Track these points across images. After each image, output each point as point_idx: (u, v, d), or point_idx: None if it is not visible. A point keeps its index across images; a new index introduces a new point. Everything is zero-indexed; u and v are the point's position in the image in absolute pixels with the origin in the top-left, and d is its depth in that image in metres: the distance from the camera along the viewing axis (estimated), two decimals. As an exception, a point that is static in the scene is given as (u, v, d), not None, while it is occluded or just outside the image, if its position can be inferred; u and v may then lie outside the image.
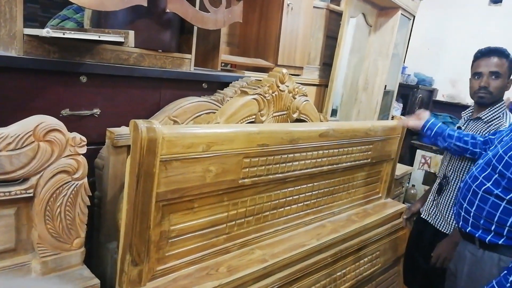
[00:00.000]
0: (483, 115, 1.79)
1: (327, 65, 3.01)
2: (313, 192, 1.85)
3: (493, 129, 1.74)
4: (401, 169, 3.30)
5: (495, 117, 1.77)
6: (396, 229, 2.30)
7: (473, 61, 1.82)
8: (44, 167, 1.09)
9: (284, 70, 1.80)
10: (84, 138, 1.16)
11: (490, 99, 1.75)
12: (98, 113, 1.53)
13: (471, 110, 1.91)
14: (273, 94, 1.78)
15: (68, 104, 1.45)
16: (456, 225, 1.62)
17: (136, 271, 1.17)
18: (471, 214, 1.50)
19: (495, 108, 1.77)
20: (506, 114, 1.77)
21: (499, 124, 1.74)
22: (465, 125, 1.90)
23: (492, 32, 4.35)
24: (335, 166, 1.89)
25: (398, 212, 2.34)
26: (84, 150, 1.16)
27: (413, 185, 4.41)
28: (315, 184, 1.83)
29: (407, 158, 4.32)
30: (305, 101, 1.96)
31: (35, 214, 1.11)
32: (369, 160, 2.13)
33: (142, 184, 1.13)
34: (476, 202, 1.48)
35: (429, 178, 4.28)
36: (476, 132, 1.80)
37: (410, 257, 2.17)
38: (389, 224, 2.24)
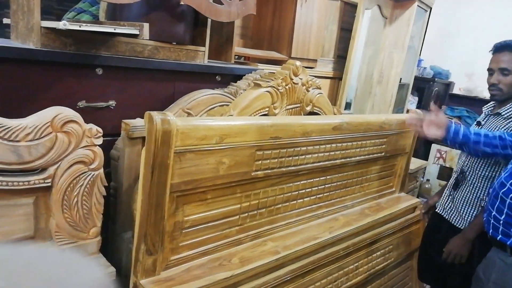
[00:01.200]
0: (503, 111, 1.76)
1: (341, 58, 2.98)
2: (326, 185, 1.84)
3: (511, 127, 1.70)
4: (415, 163, 3.26)
5: None
6: (410, 223, 2.28)
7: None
8: (61, 157, 1.11)
9: (298, 63, 1.79)
10: (100, 129, 1.18)
11: (502, 96, 1.72)
12: (114, 105, 1.56)
13: (492, 105, 1.87)
14: (287, 87, 1.77)
15: (84, 96, 1.48)
16: (487, 233, 1.59)
17: (150, 261, 1.19)
18: (501, 222, 1.48)
19: None
20: None
21: None
22: (485, 120, 1.87)
23: (509, 24, 4.24)
24: (348, 159, 1.88)
25: (412, 207, 2.32)
26: (100, 141, 1.18)
27: (428, 180, 4.36)
28: (328, 177, 1.83)
29: (422, 152, 4.27)
30: (318, 94, 1.95)
31: (53, 203, 1.13)
32: (383, 153, 2.11)
33: (156, 175, 1.15)
34: (505, 210, 1.45)
35: (444, 173, 4.22)
36: (495, 128, 1.77)
37: (424, 252, 2.15)
38: (403, 218, 2.22)
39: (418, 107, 4.37)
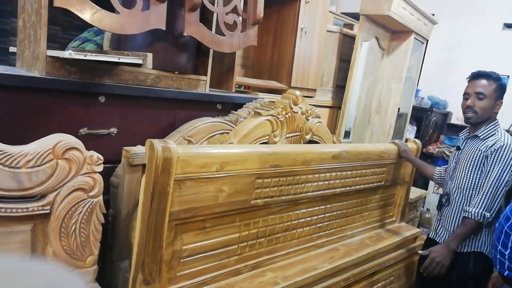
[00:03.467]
0: (480, 133, 1.86)
1: (340, 88, 3.02)
2: (326, 214, 1.83)
3: (489, 144, 1.80)
4: (415, 192, 3.25)
5: (490, 134, 1.83)
6: (411, 254, 2.25)
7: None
8: (61, 184, 1.11)
9: (298, 92, 1.82)
10: (101, 157, 1.18)
11: (476, 119, 1.84)
12: (115, 132, 1.57)
13: (467, 131, 1.99)
14: (287, 116, 1.79)
15: (87, 123, 1.49)
16: (495, 268, 1.58)
17: (147, 291, 1.17)
18: (506, 257, 1.46)
19: (490, 126, 1.85)
20: (500, 131, 1.84)
21: (495, 139, 1.80)
22: (463, 144, 1.96)
23: (505, 57, 4.34)
24: (348, 188, 1.88)
25: (413, 237, 2.29)
26: (100, 168, 1.19)
27: (428, 209, 4.32)
28: (327, 206, 1.82)
29: (421, 181, 4.25)
30: (318, 122, 1.97)
31: (50, 230, 1.12)
32: (382, 183, 2.11)
33: (156, 202, 1.14)
34: (510, 244, 1.44)
35: (444, 203, 4.19)
36: (474, 149, 1.85)
37: (421, 283, 2.10)
38: (404, 248, 2.20)
39: (416, 136, 4.39)
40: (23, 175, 1.04)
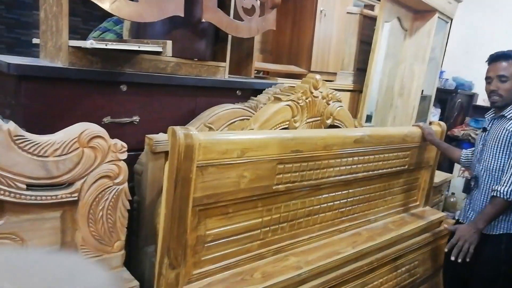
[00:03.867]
0: (506, 113, 1.81)
1: (361, 71, 2.96)
2: (348, 199, 1.82)
3: None
4: (440, 176, 3.18)
5: None
6: (436, 238, 2.21)
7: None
8: (87, 172, 1.14)
9: (318, 76, 1.80)
10: (124, 144, 1.21)
11: (502, 101, 1.80)
12: (137, 120, 1.59)
13: (493, 111, 1.94)
14: (307, 100, 1.77)
15: (109, 112, 1.52)
16: None
17: (173, 274, 1.19)
18: None
19: None
20: None
21: None
22: (489, 125, 1.91)
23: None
24: (371, 172, 1.85)
25: (437, 221, 2.25)
26: (125, 156, 1.21)
27: (453, 193, 4.24)
28: (350, 191, 1.81)
29: (446, 165, 4.16)
30: (339, 107, 1.95)
31: (79, 217, 1.16)
32: (406, 167, 2.07)
33: (179, 189, 1.16)
34: None
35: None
36: (502, 129, 1.80)
37: (450, 266, 2.07)
38: (428, 233, 2.16)
39: (440, 119, 4.28)
40: (51, 164, 1.07)
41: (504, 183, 1.72)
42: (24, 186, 1.04)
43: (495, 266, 1.79)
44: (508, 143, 1.77)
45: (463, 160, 2.08)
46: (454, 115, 4.53)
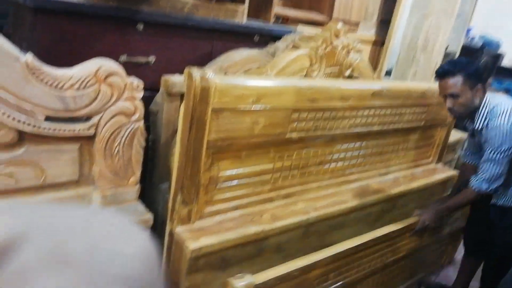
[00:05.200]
0: (477, 126, 1.71)
1: (385, 22, 2.84)
2: (361, 152, 1.82)
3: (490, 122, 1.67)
4: (455, 135, 3.13)
5: (485, 124, 1.68)
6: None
7: None
8: (104, 108, 1.16)
9: (339, 25, 1.73)
10: (141, 83, 1.21)
11: (463, 115, 1.73)
12: (153, 61, 1.58)
13: (466, 122, 1.83)
14: (326, 50, 1.73)
15: (126, 51, 1.51)
16: None
17: (186, 210, 1.24)
18: None
19: (481, 115, 1.69)
20: (494, 111, 1.65)
21: (490, 121, 1.66)
22: (475, 133, 1.80)
23: None
24: (386, 127, 1.84)
25: (448, 178, 2.26)
26: (141, 94, 1.21)
27: (467, 154, 4.19)
28: (363, 143, 1.81)
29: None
30: (359, 58, 1.89)
31: (96, 151, 1.19)
32: (422, 123, 2.05)
33: (194, 131, 1.17)
34: None
35: (485, 148, 4.03)
36: (483, 139, 1.71)
37: (472, 230, 2.09)
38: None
39: (463, 78, 4.14)
40: (69, 98, 1.08)
41: (476, 176, 1.71)
42: (43, 118, 1.06)
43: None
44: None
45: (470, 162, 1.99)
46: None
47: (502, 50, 4.54)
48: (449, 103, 1.68)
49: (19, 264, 0.20)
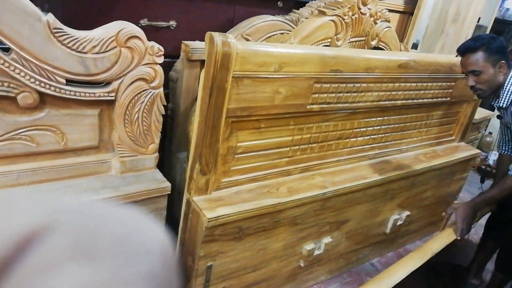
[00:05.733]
0: (502, 103, 1.62)
1: (415, -10, 2.69)
2: (383, 126, 1.77)
3: None
4: (480, 113, 3.03)
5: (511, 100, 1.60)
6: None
7: None
8: (124, 72, 1.14)
9: (368, -9, 1.65)
10: (161, 48, 1.18)
11: (486, 92, 1.62)
12: (174, 25, 1.54)
13: (492, 100, 1.72)
14: (353, 17, 1.65)
15: (147, 14, 1.47)
16: None
17: (203, 180, 1.24)
18: None
19: (506, 92, 1.60)
20: None
21: None
22: (502, 113, 1.71)
23: None
24: (410, 101, 1.78)
25: (471, 157, 2.20)
26: (161, 59, 1.19)
27: (490, 133, 4.07)
28: (385, 118, 1.76)
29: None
30: (386, 27, 1.81)
31: (116, 117, 1.19)
32: (448, 98, 1.97)
33: (214, 98, 1.15)
34: None
35: (510, 127, 3.91)
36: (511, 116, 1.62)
37: (499, 210, 2.04)
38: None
39: (493, 52, 3.96)
40: (89, 60, 1.06)
41: None
42: (64, 81, 1.05)
43: None
44: None
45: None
46: (509, 50, 4.18)
47: (537, 23, 4.29)
48: (471, 80, 1.62)
49: (43, 255, 0.20)
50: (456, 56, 1.69)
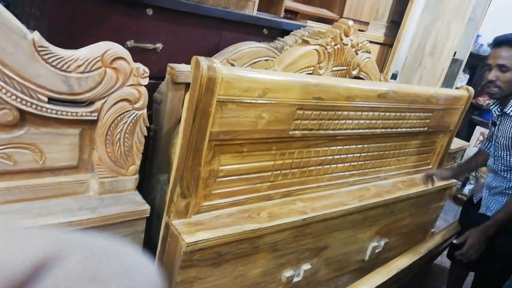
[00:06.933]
0: (508, 110, 1.63)
1: (395, 23, 2.81)
2: (362, 154, 1.81)
3: None
4: (456, 143, 3.12)
5: None
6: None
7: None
8: (108, 93, 1.13)
9: (350, 22, 1.71)
10: (147, 69, 1.19)
11: (501, 93, 1.60)
12: (160, 48, 1.55)
13: (497, 104, 1.73)
14: (335, 47, 1.70)
15: (133, 36, 1.48)
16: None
17: (184, 203, 1.23)
18: None
19: None
20: None
21: None
22: (498, 120, 1.74)
23: None
24: (389, 130, 1.82)
25: (447, 187, 2.25)
26: (146, 81, 1.19)
27: (465, 162, 4.20)
28: (365, 145, 1.79)
29: (464, 133, 4.09)
30: (367, 58, 1.87)
31: (97, 137, 1.17)
32: (425, 128, 2.03)
33: (198, 121, 1.15)
34: None
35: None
36: (509, 127, 1.65)
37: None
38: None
39: (468, 84, 4.13)
40: (73, 80, 1.06)
41: None
42: (46, 99, 1.04)
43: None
44: None
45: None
46: (482, 83, 4.36)
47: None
48: (493, 74, 1.57)
49: (51, 282, 0.21)
50: (491, 45, 1.63)
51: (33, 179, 1.11)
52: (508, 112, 1.64)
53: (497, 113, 1.74)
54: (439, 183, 2.16)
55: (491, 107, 1.79)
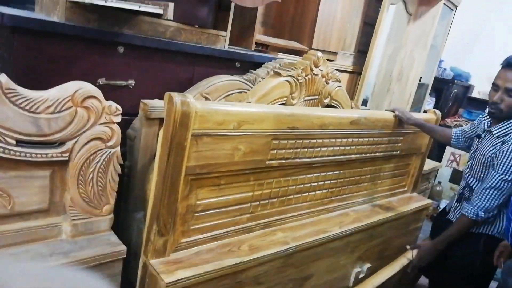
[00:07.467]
0: (494, 130, 1.70)
1: (362, 53, 2.93)
2: (339, 180, 1.83)
3: (499, 144, 1.67)
4: (429, 164, 3.21)
5: (506, 133, 1.66)
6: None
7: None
8: (80, 132, 1.11)
9: (319, 54, 1.76)
10: (119, 107, 1.18)
11: (500, 115, 1.64)
12: (133, 84, 1.55)
13: (488, 119, 1.79)
14: (306, 78, 1.75)
15: (105, 73, 1.47)
16: (507, 241, 1.56)
17: (161, 242, 1.19)
18: None
19: (508, 124, 1.65)
20: None
21: (510, 139, 1.63)
22: (483, 134, 1.81)
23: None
24: (363, 155, 1.86)
25: (424, 207, 2.29)
26: (119, 119, 1.18)
27: (439, 182, 4.30)
28: (341, 171, 1.81)
29: (435, 154, 4.21)
30: (337, 87, 1.93)
31: (69, 177, 1.14)
32: (398, 152, 2.08)
33: (173, 156, 1.14)
34: None
35: (456, 176, 4.16)
36: (489, 144, 1.73)
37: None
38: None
39: (434, 107, 4.30)
40: (43, 121, 1.04)
41: (473, 202, 1.70)
42: (14, 142, 1.01)
43: (471, 261, 1.78)
44: (489, 164, 1.70)
45: (453, 142, 2.03)
46: (449, 105, 4.55)
47: (471, 81, 4.75)
48: (498, 97, 1.55)
49: None
50: (502, 64, 1.59)
51: (1, 226, 1.05)
52: (492, 131, 1.70)
53: (485, 127, 1.79)
54: (415, 204, 2.20)
55: (483, 119, 1.81)
